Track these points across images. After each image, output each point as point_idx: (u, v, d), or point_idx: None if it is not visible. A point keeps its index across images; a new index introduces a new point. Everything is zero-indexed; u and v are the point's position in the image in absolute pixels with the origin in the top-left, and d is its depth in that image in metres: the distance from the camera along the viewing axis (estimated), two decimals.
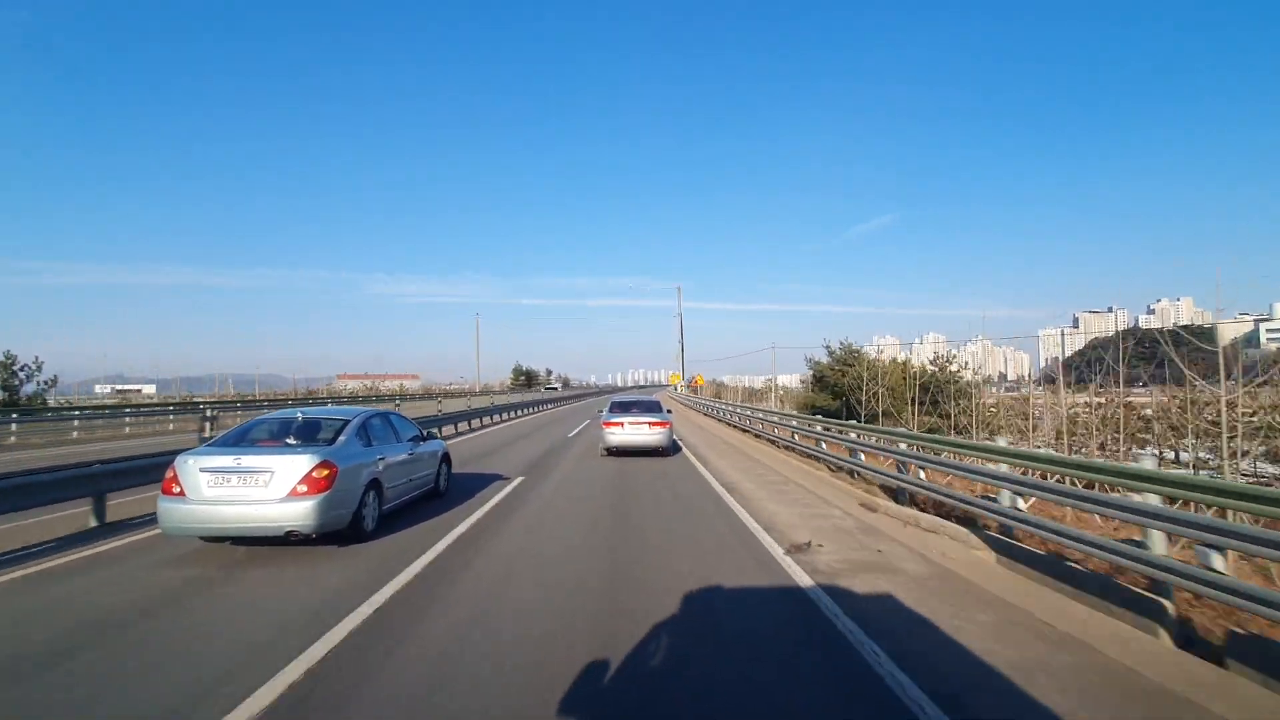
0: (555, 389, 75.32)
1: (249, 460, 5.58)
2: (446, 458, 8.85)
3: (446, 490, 8.68)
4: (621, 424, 12.68)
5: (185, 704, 3.02)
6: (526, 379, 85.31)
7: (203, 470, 5.51)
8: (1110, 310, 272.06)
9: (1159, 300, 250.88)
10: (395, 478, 6.93)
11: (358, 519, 6.01)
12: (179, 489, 5.49)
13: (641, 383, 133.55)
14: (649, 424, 12.67)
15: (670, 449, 13.26)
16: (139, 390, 61.69)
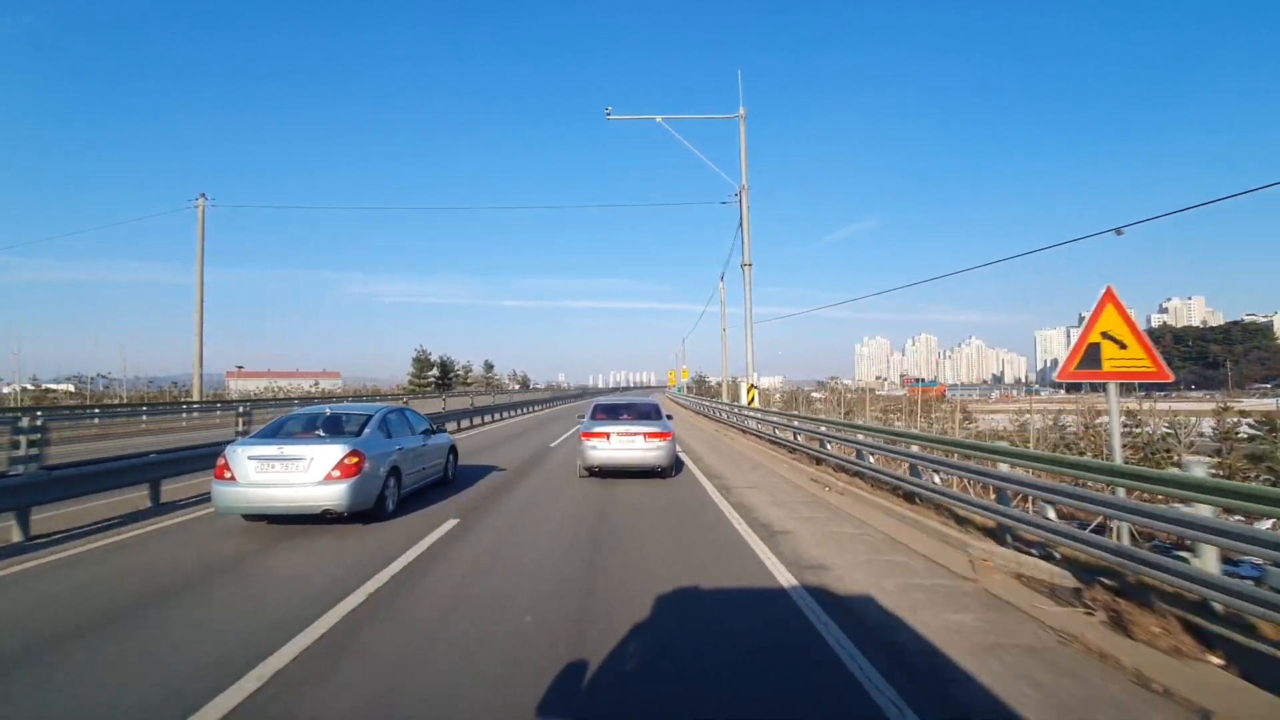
0: (473, 393, 37.88)
1: (290, 449, 6.59)
2: (454, 449, 9.86)
3: (455, 479, 9.67)
4: (607, 435, 9.59)
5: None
6: (441, 375, 59.05)
7: (250, 458, 6.51)
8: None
9: (1169, 299, 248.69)
10: (411, 465, 7.95)
11: (381, 500, 7.02)
12: (230, 474, 6.49)
13: (625, 385, 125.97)
14: (644, 435, 9.57)
15: (670, 469, 10.09)
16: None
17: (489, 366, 72.93)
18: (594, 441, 9.56)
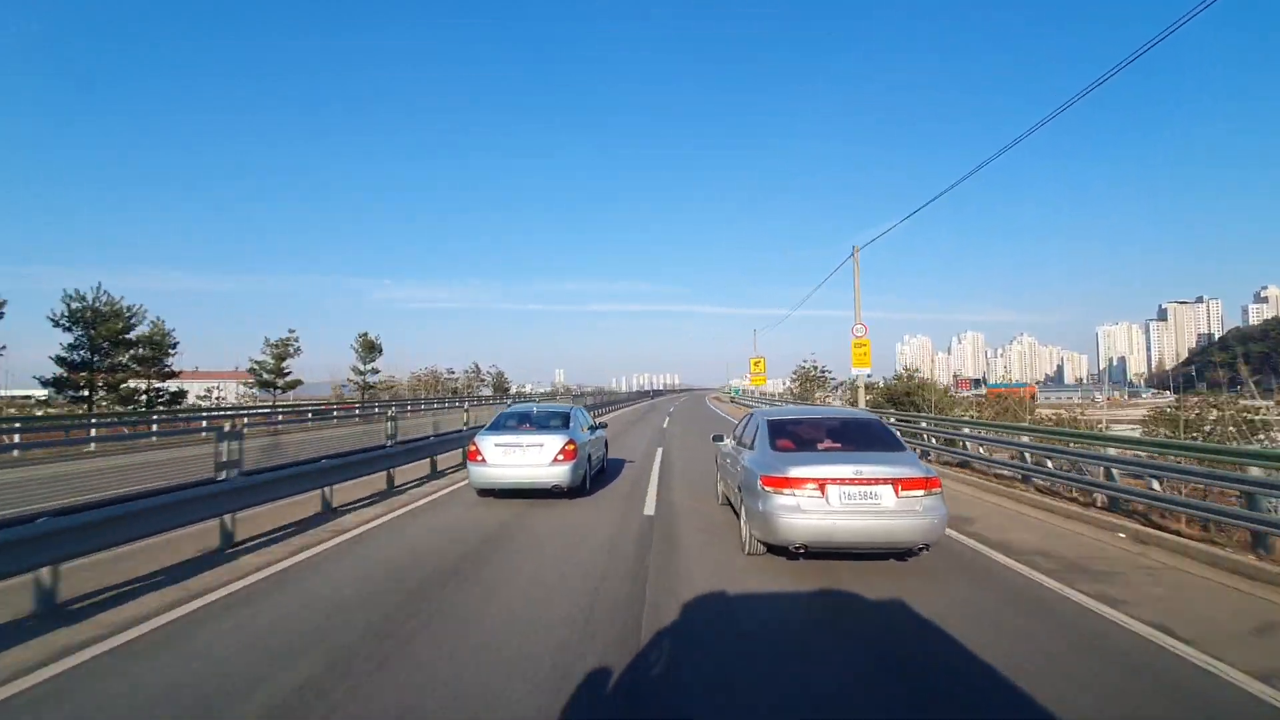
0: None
1: (525, 438, 8.62)
2: (606, 443, 11.82)
3: (606, 468, 11.61)
4: (820, 485, 5.43)
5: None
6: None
7: (496, 445, 8.58)
8: (1200, 300, 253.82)
9: (1266, 287, 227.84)
10: (594, 453, 9.92)
11: (584, 479, 8.99)
12: (481, 457, 8.57)
13: (645, 387, 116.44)
14: (897, 484, 5.39)
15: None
16: None
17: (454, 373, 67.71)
18: (791, 496, 5.43)
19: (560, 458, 8.49)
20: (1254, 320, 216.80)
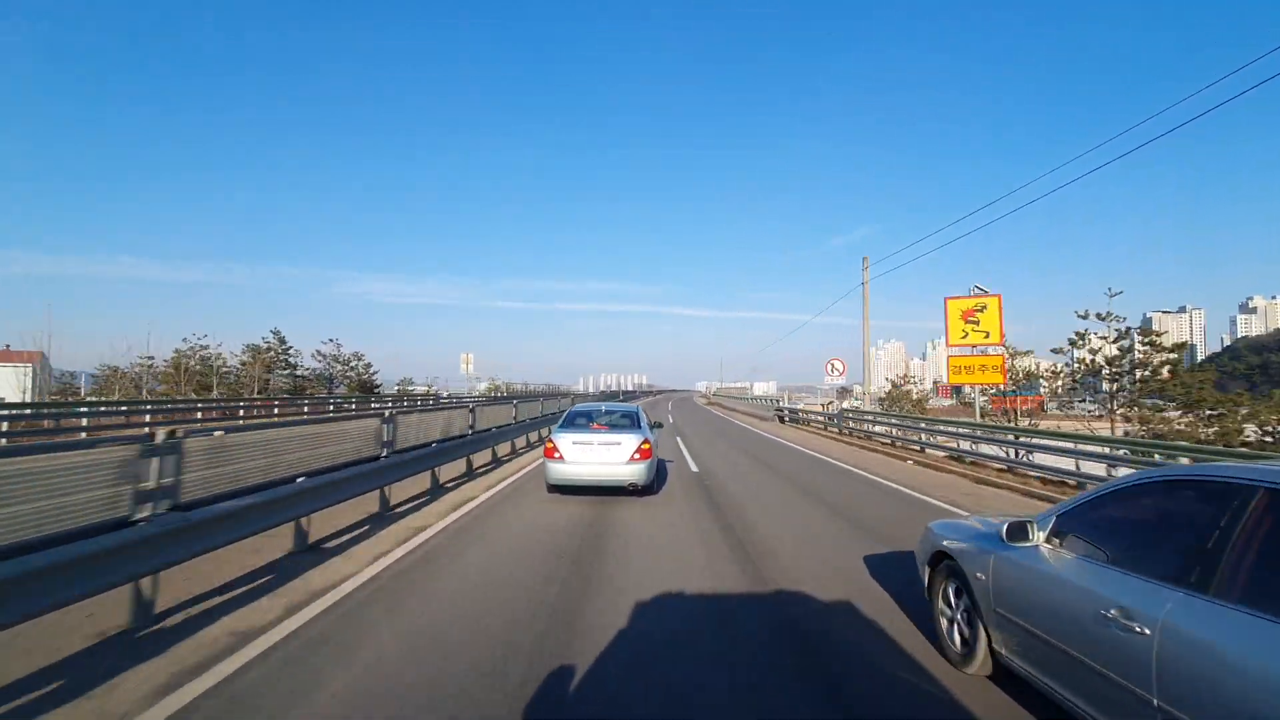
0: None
1: (602, 436, 8.98)
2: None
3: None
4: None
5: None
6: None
7: (574, 443, 8.92)
8: (1183, 310, 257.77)
9: (1252, 298, 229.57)
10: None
11: (654, 478, 9.35)
12: (559, 455, 8.92)
13: (614, 388, 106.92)
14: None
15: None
16: None
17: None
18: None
19: (636, 456, 8.86)
20: (1242, 332, 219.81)
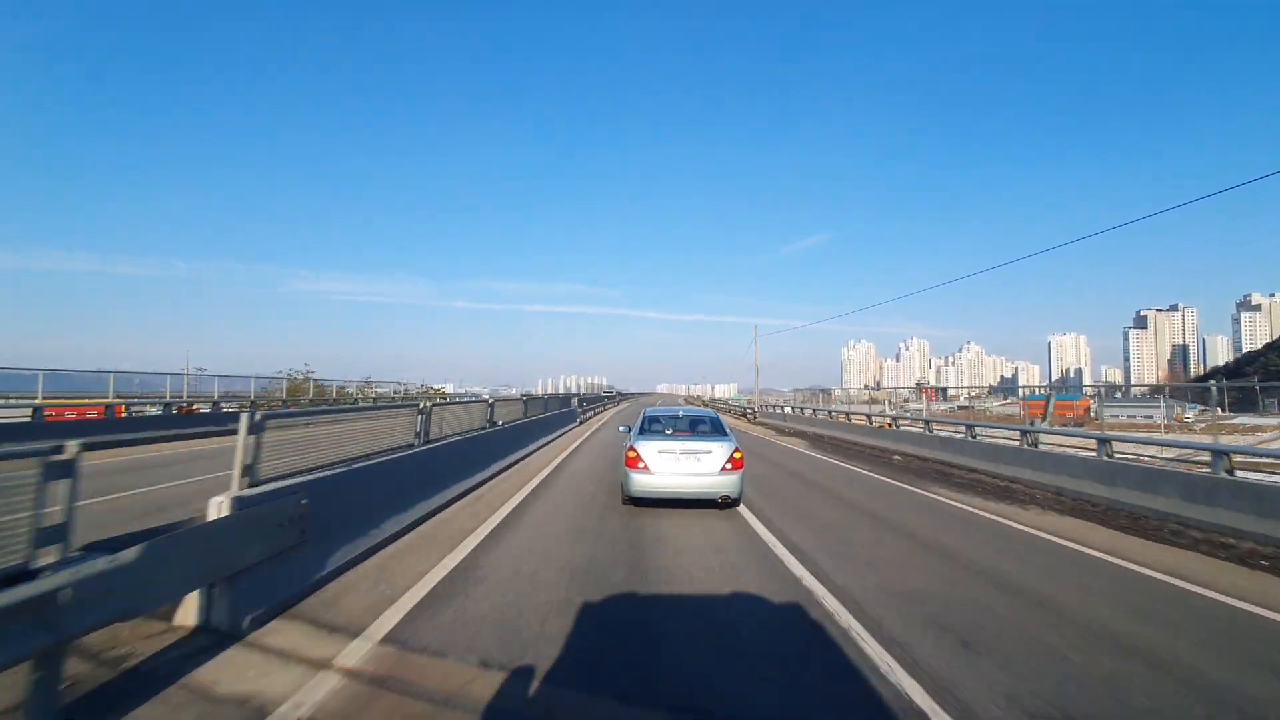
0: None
1: (689, 445, 8.14)
2: None
3: None
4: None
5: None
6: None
7: (659, 452, 8.07)
8: (1174, 309, 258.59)
9: (1248, 294, 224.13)
10: None
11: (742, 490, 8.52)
12: (642, 464, 8.06)
13: (575, 390, 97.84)
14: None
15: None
16: None
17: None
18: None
19: (728, 466, 8.06)
20: (1246, 331, 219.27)
